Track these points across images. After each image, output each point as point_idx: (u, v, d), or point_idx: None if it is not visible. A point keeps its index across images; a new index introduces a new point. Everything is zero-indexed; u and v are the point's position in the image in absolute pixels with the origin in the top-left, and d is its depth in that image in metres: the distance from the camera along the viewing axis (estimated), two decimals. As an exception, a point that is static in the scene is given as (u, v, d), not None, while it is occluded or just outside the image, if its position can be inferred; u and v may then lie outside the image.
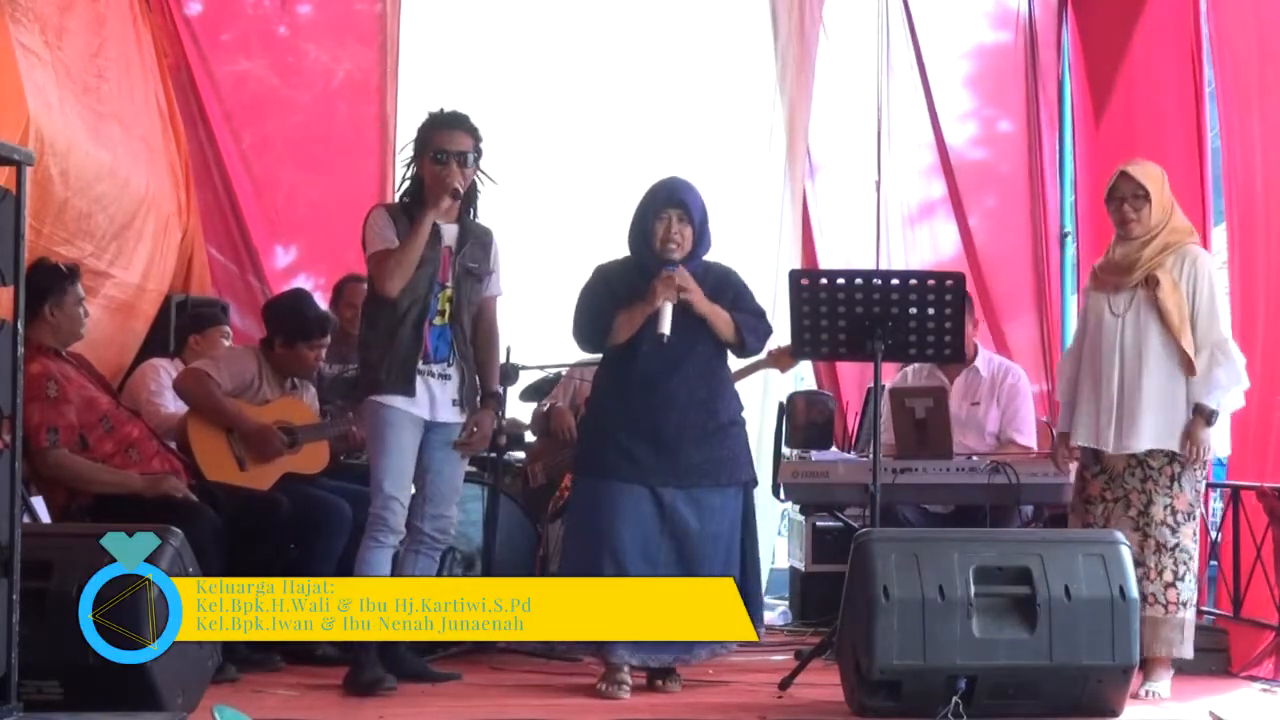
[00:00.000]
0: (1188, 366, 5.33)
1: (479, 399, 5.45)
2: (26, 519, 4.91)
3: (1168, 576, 5.30)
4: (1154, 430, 5.33)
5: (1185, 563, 5.34)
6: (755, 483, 5.61)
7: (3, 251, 3.82)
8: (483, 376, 5.46)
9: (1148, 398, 5.34)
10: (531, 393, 6.94)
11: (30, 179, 4.07)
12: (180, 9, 7.75)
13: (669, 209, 5.38)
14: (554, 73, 8.05)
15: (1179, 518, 5.34)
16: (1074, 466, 5.68)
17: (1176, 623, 5.31)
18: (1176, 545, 5.32)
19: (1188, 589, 5.35)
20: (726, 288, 5.48)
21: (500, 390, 5.60)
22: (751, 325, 5.46)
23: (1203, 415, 5.34)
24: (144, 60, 7.20)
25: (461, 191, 5.33)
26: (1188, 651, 5.36)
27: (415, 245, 5.25)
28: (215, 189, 7.80)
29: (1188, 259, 5.41)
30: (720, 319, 5.39)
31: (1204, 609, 6.33)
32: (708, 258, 5.51)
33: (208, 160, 7.78)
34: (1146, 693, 5.23)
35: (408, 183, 5.45)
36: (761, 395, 7.44)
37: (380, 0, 7.92)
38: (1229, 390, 5.39)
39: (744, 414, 5.62)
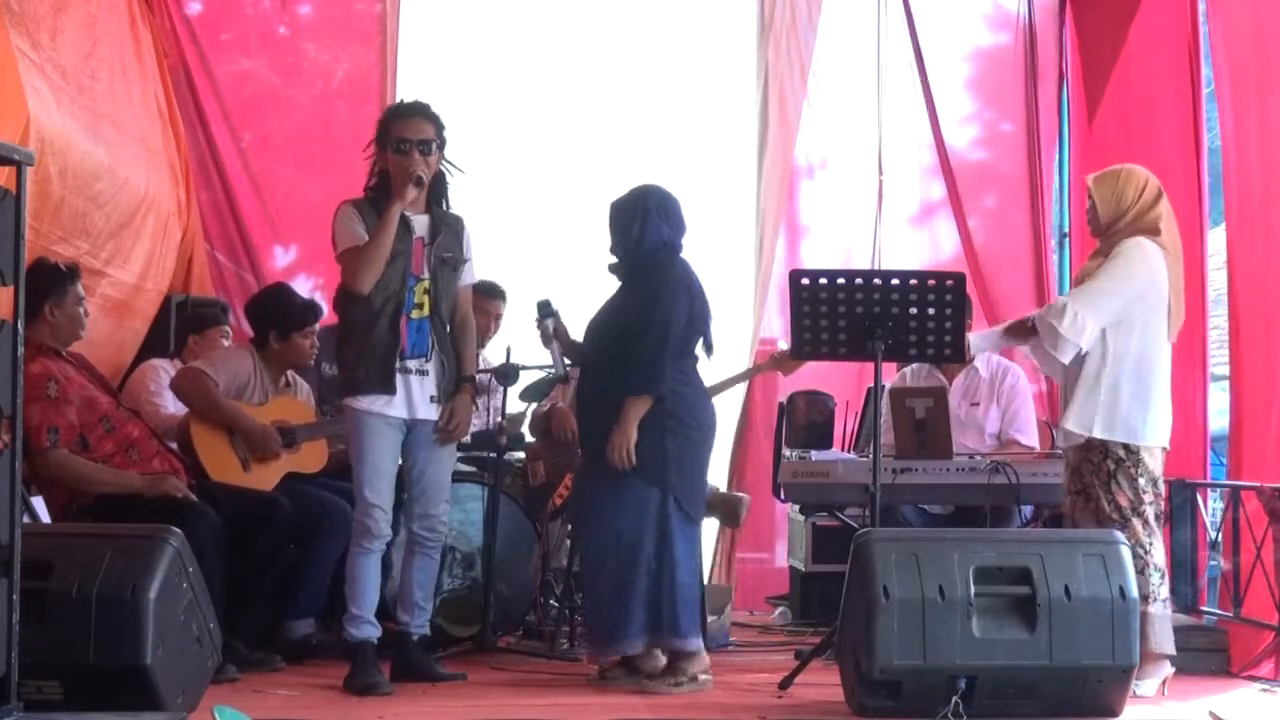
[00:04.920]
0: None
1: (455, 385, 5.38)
2: (26, 519, 4.91)
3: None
4: (1075, 415, 5.30)
5: (1142, 556, 5.20)
6: (669, 491, 5.36)
7: (3, 251, 3.80)
8: (459, 365, 5.42)
9: (1074, 384, 5.34)
10: (531, 393, 6.92)
11: (29, 177, 4.06)
12: (180, 9, 7.77)
13: None
14: (553, 73, 8.07)
15: (1125, 513, 5.26)
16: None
17: (1150, 617, 5.21)
18: (1135, 542, 5.16)
19: (1146, 583, 5.19)
20: (637, 291, 5.53)
21: (475, 376, 5.54)
22: (636, 381, 5.37)
23: (1026, 325, 5.44)
24: (143, 60, 7.20)
25: (425, 180, 5.29)
26: (1170, 647, 5.31)
27: (384, 239, 5.22)
28: (215, 189, 7.82)
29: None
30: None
31: (1204, 609, 6.35)
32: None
33: (207, 160, 7.79)
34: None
35: (374, 178, 5.40)
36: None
37: (380, 0, 7.93)
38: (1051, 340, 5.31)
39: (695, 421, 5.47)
